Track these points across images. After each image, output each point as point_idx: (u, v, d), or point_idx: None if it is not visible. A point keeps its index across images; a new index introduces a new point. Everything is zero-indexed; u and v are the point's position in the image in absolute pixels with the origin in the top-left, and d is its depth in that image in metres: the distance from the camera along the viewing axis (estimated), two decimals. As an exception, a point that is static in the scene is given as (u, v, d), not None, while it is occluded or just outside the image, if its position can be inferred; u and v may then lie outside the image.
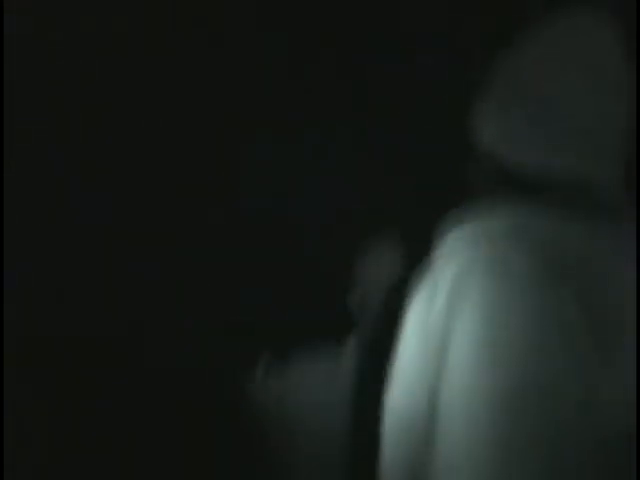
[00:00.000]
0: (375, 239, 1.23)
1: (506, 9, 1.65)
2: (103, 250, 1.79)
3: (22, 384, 1.65)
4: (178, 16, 1.82)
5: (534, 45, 1.08)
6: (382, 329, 1.00)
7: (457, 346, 0.81)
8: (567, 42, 1.06)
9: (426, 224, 1.05)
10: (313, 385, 1.17)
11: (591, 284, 0.86)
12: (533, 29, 1.11)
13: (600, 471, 0.79)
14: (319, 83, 1.85)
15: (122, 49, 1.78)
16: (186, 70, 1.82)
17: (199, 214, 1.81)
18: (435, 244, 0.95)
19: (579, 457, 0.79)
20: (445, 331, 0.82)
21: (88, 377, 1.76)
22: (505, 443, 0.77)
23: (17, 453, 1.56)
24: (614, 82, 1.03)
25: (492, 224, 0.91)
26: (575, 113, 0.99)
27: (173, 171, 1.82)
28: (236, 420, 1.22)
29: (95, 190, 1.79)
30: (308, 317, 1.71)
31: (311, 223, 1.76)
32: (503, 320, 0.80)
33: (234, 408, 1.21)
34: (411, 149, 1.85)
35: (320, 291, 1.70)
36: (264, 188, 1.85)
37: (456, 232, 0.92)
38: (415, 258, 0.98)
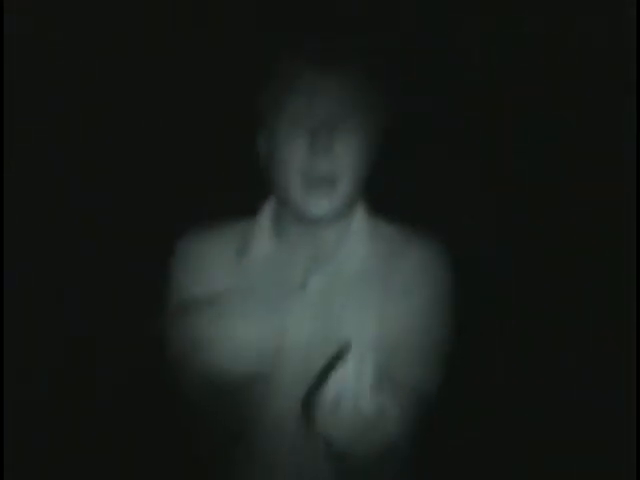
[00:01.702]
0: None
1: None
2: (103, 250, 1.79)
3: (22, 384, 1.65)
4: (178, 16, 1.82)
5: None
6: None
7: None
8: None
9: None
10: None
11: None
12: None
13: None
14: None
15: (122, 49, 1.78)
16: (185, 70, 1.82)
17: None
18: None
19: None
20: None
21: (86, 377, 1.76)
22: None
23: (17, 453, 1.56)
24: None
25: None
26: None
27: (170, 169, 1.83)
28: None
29: (95, 190, 1.79)
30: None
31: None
32: None
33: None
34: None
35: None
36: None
37: None
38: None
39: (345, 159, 0.95)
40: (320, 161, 0.94)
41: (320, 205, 0.96)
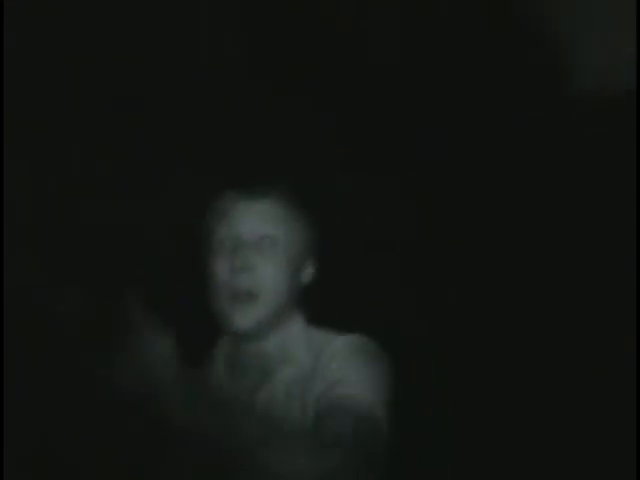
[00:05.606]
0: None
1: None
2: (103, 251, 1.80)
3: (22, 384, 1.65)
4: (177, 17, 1.84)
5: None
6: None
7: None
8: None
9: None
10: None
11: None
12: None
13: None
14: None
15: (122, 49, 1.79)
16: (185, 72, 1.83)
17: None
18: None
19: None
20: None
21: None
22: None
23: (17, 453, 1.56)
24: None
25: None
26: None
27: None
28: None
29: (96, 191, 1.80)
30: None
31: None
32: None
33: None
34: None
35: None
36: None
37: None
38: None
39: (267, 275, 1.05)
40: (242, 277, 1.04)
41: (244, 317, 1.05)
